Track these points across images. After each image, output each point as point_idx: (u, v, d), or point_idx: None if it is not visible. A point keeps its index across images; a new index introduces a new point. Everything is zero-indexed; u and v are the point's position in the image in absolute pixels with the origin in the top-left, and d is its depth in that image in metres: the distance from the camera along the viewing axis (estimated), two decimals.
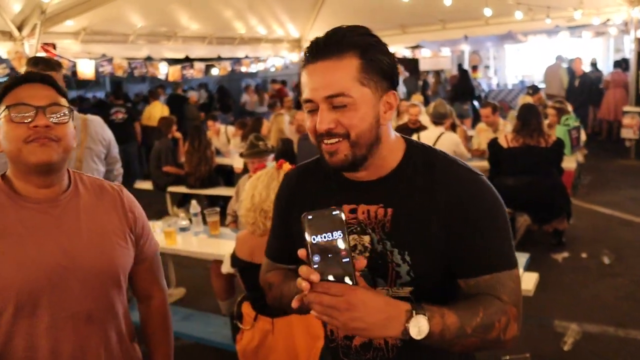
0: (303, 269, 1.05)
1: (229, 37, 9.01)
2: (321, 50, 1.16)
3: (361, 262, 1.08)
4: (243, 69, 9.52)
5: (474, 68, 13.30)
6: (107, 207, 1.54)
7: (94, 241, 1.46)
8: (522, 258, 3.02)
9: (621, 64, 10.36)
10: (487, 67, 14.75)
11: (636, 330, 3.61)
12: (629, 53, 9.69)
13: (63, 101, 1.43)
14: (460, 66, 12.57)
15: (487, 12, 7.73)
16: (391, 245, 1.21)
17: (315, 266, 1.04)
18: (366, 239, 1.24)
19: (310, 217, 1.05)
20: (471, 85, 11.63)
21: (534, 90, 8.64)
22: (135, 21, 7.44)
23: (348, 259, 1.05)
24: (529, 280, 3.11)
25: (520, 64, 14.96)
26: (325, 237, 1.04)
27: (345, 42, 1.15)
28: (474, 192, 1.20)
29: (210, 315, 3.69)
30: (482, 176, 1.24)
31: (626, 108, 8.47)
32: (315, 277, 1.03)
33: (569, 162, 5.36)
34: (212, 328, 3.38)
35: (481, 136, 6.05)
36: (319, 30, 10.27)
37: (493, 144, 5.12)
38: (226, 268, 2.93)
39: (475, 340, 1.14)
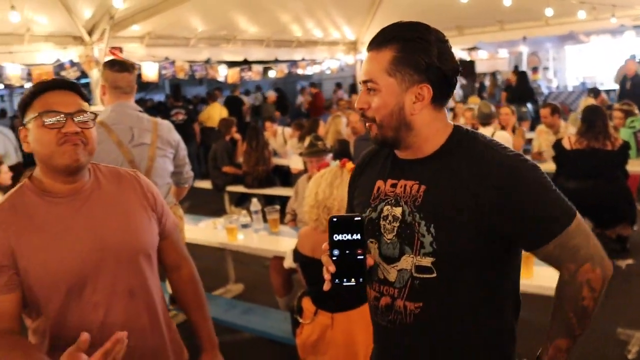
0: (324, 258, 1.31)
1: (286, 40, 9.16)
2: (373, 42, 1.35)
3: (369, 260, 1.31)
4: (299, 72, 9.65)
5: (534, 70, 13.00)
6: (127, 191, 1.70)
7: (121, 223, 1.62)
8: None
9: None
10: (546, 68, 14.38)
11: None
12: None
13: (87, 106, 1.57)
14: (516, 68, 12.30)
15: (549, 12, 7.56)
16: (419, 218, 1.33)
17: (334, 258, 1.28)
18: (398, 210, 1.37)
19: (335, 219, 1.29)
20: (530, 87, 11.38)
21: (595, 93, 8.37)
22: (196, 25, 7.68)
23: (362, 257, 1.28)
24: None
25: (582, 65, 14.50)
26: (345, 236, 1.28)
27: (388, 37, 1.33)
28: (511, 173, 1.28)
29: (270, 309, 3.78)
30: (522, 156, 1.33)
31: None
32: (332, 268, 1.27)
33: (635, 166, 5.17)
34: (271, 322, 3.47)
35: (541, 138, 5.93)
36: (374, 32, 10.20)
37: (557, 145, 5.02)
38: (288, 263, 3.01)
39: (588, 322, 1.34)
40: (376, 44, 1.34)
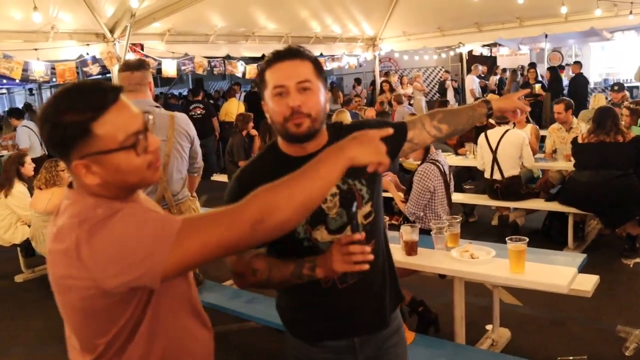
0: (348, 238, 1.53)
1: (304, 36, 9.26)
2: (288, 54, 1.55)
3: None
4: None
5: (561, 68, 12.84)
6: None
7: None
8: (578, 259, 3.01)
9: None
10: (569, 65, 14.22)
11: None
12: None
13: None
14: (532, 65, 12.21)
15: (563, 9, 7.52)
16: (351, 180, 1.64)
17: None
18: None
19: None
20: (562, 84, 11.30)
21: (619, 87, 8.27)
22: (215, 22, 7.83)
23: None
24: (587, 282, 3.10)
25: (606, 61, 14.30)
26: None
27: (302, 53, 1.57)
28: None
29: (274, 299, 3.89)
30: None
31: None
32: (360, 235, 1.50)
33: None
34: (275, 311, 3.58)
35: (554, 136, 5.93)
36: (393, 28, 10.36)
37: (574, 141, 5.12)
38: None
39: None
40: (295, 55, 1.55)
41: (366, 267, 1.50)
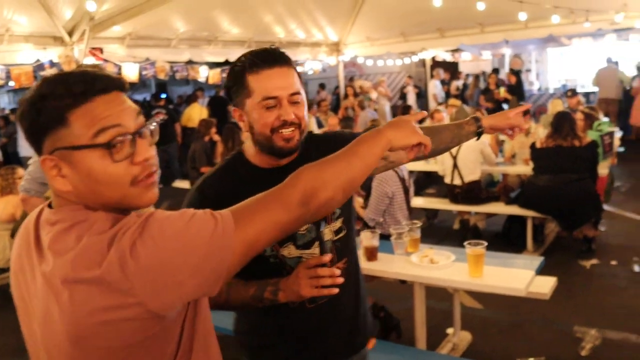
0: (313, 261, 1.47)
1: (268, 41, 9.22)
2: (274, 59, 1.44)
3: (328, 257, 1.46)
4: None
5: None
6: None
7: None
8: (536, 262, 3.06)
9: None
10: (528, 70, 14.53)
11: None
12: None
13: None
14: (495, 70, 12.46)
15: (522, 16, 7.68)
16: None
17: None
18: None
19: None
20: (522, 89, 11.55)
21: (572, 92, 8.56)
22: (177, 26, 7.74)
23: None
24: (545, 284, 3.15)
25: (564, 67, 14.66)
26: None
27: (288, 58, 1.48)
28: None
29: None
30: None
31: None
32: (328, 257, 1.45)
33: (601, 168, 5.32)
34: None
35: (513, 140, 6.05)
36: (357, 34, 10.42)
37: (532, 146, 5.24)
38: None
39: None
40: (283, 61, 1.46)
41: (335, 291, 1.43)
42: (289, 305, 1.53)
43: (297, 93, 1.46)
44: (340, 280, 1.42)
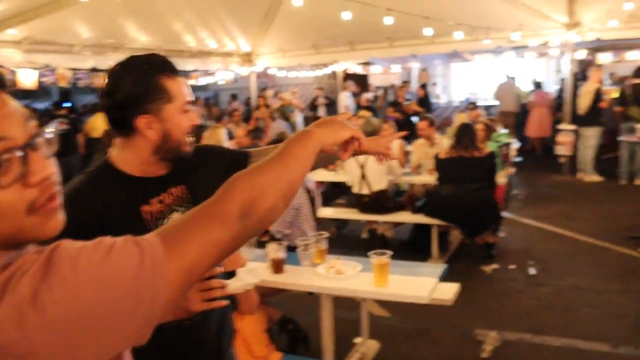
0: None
1: (178, 49, 9.02)
2: (175, 68, 1.49)
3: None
4: (192, 82, 9.53)
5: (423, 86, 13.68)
6: None
7: None
8: (439, 269, 3.16)
9: (539, 85, 11.79)
10: (434, 84, 15.16)
11: (552, 337, 3.81)
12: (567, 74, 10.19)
13: None
14: (405, 83, 12.95)
15: (428, 31, 8.00)
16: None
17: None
18: (182, 209, 1.54)
19: None
20: (430, 102, 12.03)
21: (474, 105, 9.04)
22: (80, 31, 7.39)
23: None
24: (448, 290, 3.24)
25: (467, 82, 15.42)
26: None
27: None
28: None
29: None
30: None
31: (561, 126, 8.87)
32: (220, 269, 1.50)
33: (500, 177, 5.62)
34: None
35: (419, 151, 6.25)
36: (269, 45, 10.42)
37: (435, 156, 5.45)
38: None
39: None
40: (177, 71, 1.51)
41: (225, 302, 1.39)
42: (165, 325, 1.46)
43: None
44: (229, 291, 1.42)
